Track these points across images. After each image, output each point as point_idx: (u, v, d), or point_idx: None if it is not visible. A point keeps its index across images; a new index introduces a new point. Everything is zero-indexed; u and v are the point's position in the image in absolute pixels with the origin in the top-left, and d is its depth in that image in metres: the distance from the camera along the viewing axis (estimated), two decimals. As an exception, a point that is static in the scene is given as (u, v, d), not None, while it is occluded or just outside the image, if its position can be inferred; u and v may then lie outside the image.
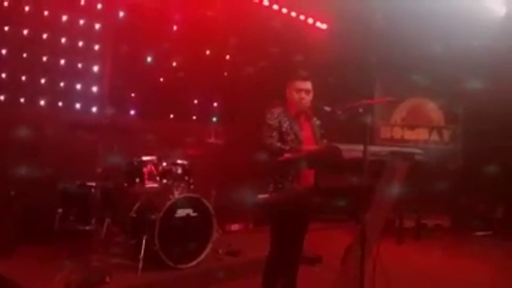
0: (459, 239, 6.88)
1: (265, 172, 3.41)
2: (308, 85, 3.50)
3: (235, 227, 6.40)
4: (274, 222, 3.38)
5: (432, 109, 8.01)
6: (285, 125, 3.39)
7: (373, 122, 7.46)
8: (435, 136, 8.03)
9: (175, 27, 6.28)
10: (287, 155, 3.14)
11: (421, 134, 8.01)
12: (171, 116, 6.32)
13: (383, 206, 3.12)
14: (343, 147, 2.81)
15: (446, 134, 8.04)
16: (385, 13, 6.84)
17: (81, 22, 5.49)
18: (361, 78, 7.25)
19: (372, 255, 3.03)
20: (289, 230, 3.36)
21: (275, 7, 6.95)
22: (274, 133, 3.33)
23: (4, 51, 4.92)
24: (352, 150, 2.81)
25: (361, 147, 2.82)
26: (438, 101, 7.94)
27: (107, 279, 3.77)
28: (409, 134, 7.98)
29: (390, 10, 6.69)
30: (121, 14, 5.78)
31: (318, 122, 3.66)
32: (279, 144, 3.27)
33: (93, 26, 5.60)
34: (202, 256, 4.38)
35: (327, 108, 3.46)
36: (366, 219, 2.94)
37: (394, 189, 3.10)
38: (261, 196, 3.37)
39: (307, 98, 3.50)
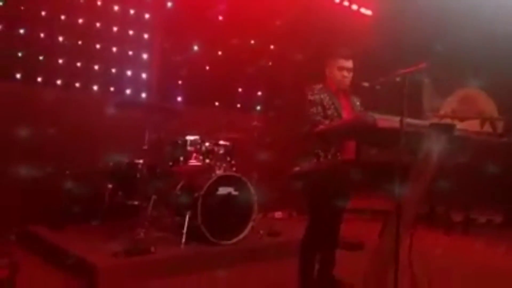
0: (510, 234, 6.57)
1: (308, 148, 3.44)
2: (350, 63, 3.49)
3: (278, 214, 6.45)
4: (312, 195, 3.40)
5: (484, 100, 7.71)
6: (326, 100, 3.41)
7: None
8: (487, 128, 7.72)
9: (220, 17, 6.45)
10: (322, 126, 3.17)
11: (473, 125, 7.72)
12: (216, 103, 6.49)
13: (420, 180, 3.06)
14: (378, 116, 2.79)
15: (500, 126, 7.71)
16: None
17: (132, 12, 5.78)
18: (408, 66, 7.08)
19: (408, 231, 3.00)
20: (328, 204, 3.38)
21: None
22: (319, 108, 3.35)
23: (60, 39, 5.26)
24: (387, 120, 2.78)
25: (398, 118, 2.80)
26: (490, 91, 7.63)
27: (152, 249, 3.95)
28: (460, 126, 7.70)
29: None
30: (169, 4, 6.03)
31: (358, 102, 3.66)
32: (318, 118, 3.30)
33: (143, 16, 5.87)
34: (243, 234, 4.48)
35: (365, 84, 3.45)
36: (404, 194, 2.91)
37: (433, 163, 3.04)
38: (301, 167, 3.39)
39: (349, 77, 3.49)
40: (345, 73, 3.47)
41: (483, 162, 6.80)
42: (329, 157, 3.29)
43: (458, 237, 6.31)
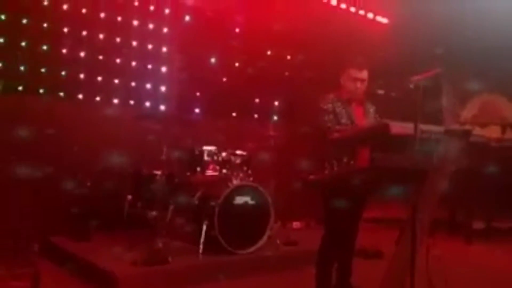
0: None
1: (322, 156, 3.46)
2: (364, 74, 3.51)
3: (296, 225, 6.43)
4: (328, 203, 3.40)
5: (505, 105, 7.59)
6: (338, 109, 3.44)
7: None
8: (509, 134, 7.58)
9: (237, 29, 6.54)
10: (336, 134, 3.19)
11: (494, 131, 7.60)
12: (234, 114, 6.55)
13: (437, 186, 3.04)
14: (393, 123, 2.79)
15: (521, 132, 7.57)
16: (450, 6, 6.63)
17: (150, 26, 5.91)
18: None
19: (425, 238, 2.97)
20: (343, 212, 3.38)
21: (334, 2, 7.00)
22: (330, 116, 3.39)
23: (82, 54, 5.42)
24: (401, 126, 2.79)
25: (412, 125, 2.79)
26: (511, 97, 7.51)
27: (170, 259, 4.00)
28: (480, 132, 7.59)
29: (456, 3, 6.48)
30: (187, 18, 6.14)
31: (372, 109, 3.66)
32: (329, 125, 3.33)
33: (161, 30, 5.99)
34: (260, 243, 4.50)
35: (380, 91, 3.48)
36: (419, 200, 2.90)
37: (449, 169, 3.02)
38: (316, 175, 3.40)
39: (362, 88, 3.51)
40: (359, 84, 3.49)
41: (504, 168, 6.72)
42: (342, 165, 3.29)
43: (479, 245, 6.19)
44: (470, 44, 6.72)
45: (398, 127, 2.79)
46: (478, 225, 6.67)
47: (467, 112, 7.72)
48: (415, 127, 2.76)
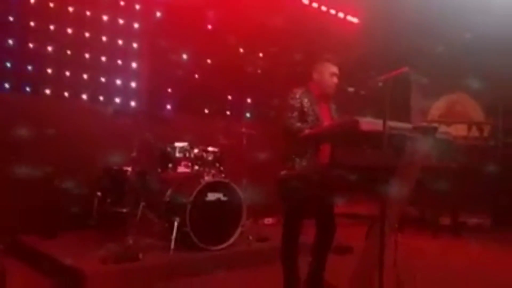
0: (498, 238, 6.64)
1: (286, 153, 3.48)
2: (337, 70, 3.58)
3: (268, 221, 6.46)
4: (289, 200, 3.42)
5: (471, 105, 7.83)
6: (307, 105, 3.44)
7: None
8: (474, 132, 7.83)
9: (209, 26, 6.52)
10: (307, 131, 3.22)
11: (460, 130, 7.83)
12: (206, 111, 6.54)
13: (405, 182, 3.11)
14: (362, 119, 2.84)
15: (486, 130, 7.83)
16: (419, 6, 6.77)
17: (121, 21, 5.83)
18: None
19: (394, 233, 3.04)
20: (301, 208, 3.41)
21: (305, 1, 7.07)
22: (295, 113, 3.38)
23: (50, 49, 5.29)
24: (370, 123, 2.83)
25: (381, 121, 2.85)
26: (477, 96, 7.76)
27: (141, 255, 3.95)
28: (447, 130, 7.81)
29: (424, 3, 6.63)
30: (158, 13, 6.09)
31: (334, 106, 3.71)
32: (298, 124, 3.34)
33: (132, 25, 5.92)
34: (232, 239, 4.50)
35: (351, 89, 3.53)
36: (388, 196, 2.96)
37: (417, 165, 3.10)
38: (288, 171, 3.42)
39: (336, 83, 3.57)
40: (335, 79, 3.54)
41: (470, 165, 6.94)
42: (305, 161, 3.33)
43: (446, 240, 6.38)
44: (438, 44, 6.89)
45: (368, 124, 2.84)
46: (445, 221, 6.88)
47: (435, 111, 7.93)
48: (384, 124, 2.81)
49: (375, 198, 3.16)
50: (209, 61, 6.54)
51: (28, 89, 5.17)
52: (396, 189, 3.04)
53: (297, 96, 3.44)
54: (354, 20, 7.61)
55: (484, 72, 7.00)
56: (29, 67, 5.17)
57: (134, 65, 5.92)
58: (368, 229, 3.22)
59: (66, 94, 5.42)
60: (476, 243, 6.19)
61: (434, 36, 6.82)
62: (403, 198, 3.27)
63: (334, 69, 3.55)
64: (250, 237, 4.86)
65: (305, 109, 3.42)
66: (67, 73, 5.43)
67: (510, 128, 7.52)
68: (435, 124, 3.22)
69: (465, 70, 7.20)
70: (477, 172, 7.01)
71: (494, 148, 7.73)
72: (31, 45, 5.20)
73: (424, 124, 3.43)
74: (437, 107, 7.94)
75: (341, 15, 7.46)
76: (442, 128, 3.29)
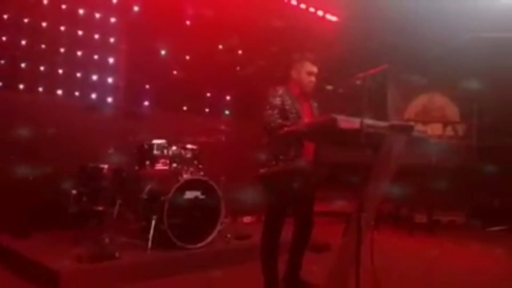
0: (472, 234, 6.79)
1: (269, 151, 3.48)
2: (316, 69, 3.59)
3: (247, 219, 6.46)
4: (273, 198, 3.43)
5: (447, 105, 7.98)
6: (288, 103, 3.46)
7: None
8: (449, 132, 7.98)
9: (188, 22, 6.46)
10: (286, 128, 3.22)
11: (436, 129, 7.97)
12: (184, 108, 6.48)
13: (381, 179, 3.14)
14: (339, 117, 2.85)
15: (461, 129, 7.99)
16: (397, 6, 6.84)
17: (97, 15, 5.72)
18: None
19: (370, 230, 3.06)
20: (290, 206, 3.43)
21: (285, -1, 7.08)
22: (276, 111, 3.40)
23: (23, 42, 5.16)
24: (348, 121, 2.85)
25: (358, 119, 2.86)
26: (452, 96, 7.91)
27: (117, 254, 3.89)
28: (423, 129, 7.94)
29: (403, 3, 6.69)
30: (136, 8, 6.00)
31: (315, 104, 3.73)
32: (279, 121, 3.35)
33: (109, 20, 5.82)
34: (210, 238, 4.48)
35: (329, 87, 3.55)
36: (364, 194, 2.98)
37: (393, 163, 3.13)
38: (268, 169, 3.42)
39: (314, 82, 3.58)
40: (312, 78, 3.57)
41: (445, 164, 7.07)
42: (290, 159, 3.34)
43: (421, 237, 6.48)
44: (416, 43, 6.97)
45: (345, 122, 2.85)
46: (421, 218, 7.01)
47: (411, 109, 8.04)
48: (361, 122, 2.83)
49: (352, 196, 3.20)
50: (187, 57, 6.48)
51: (0, 84, 5.03)
52: (372, 187, 3.07)
53: (278, 94, 3.46)
54: (333, 18, 7.65)
55: (460, 72, 7.14)
56: (2, 61, 5.03)
57: (111, 60, 5.83)
58: (345, 227, 3.24)
59: (40, 89, 5.30)
60: (449, 240, 6.33)
61: (412, 35, 6.90)
62: (379, 196, 3.30)
63: (312, 68, 3.57)
64: (229, 236, 4.85)
65: (287, 107, 3.43)
66: (42, 68, 5.30)
67: (484, 128, 7.68)
68: (411, 123, 3.26)
69: (442, 70, 7.32)
70: (451, 171, 7.15)
71: (468, 147, 7.90)
72: (4, 39, 5.06)
73: (401, 122, 3.46)
74: (414, 106, 8.06)
75: (320, 13, 7.49)
76: (418, 127, 3.32)
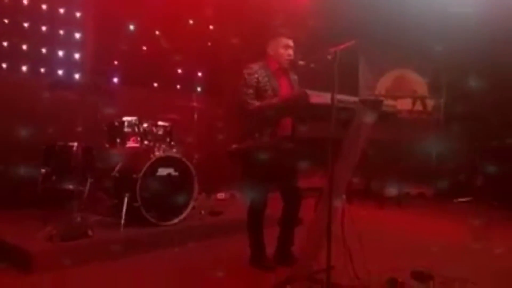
0: (439, 206, 7.02)
1: (245, 129, 3.48)
2: (291, 42, 3.59)
3: (221, 195, 6.47)
4: (247, 172, 3.45)
5: (416, 80, 8.11)
6: (263, 80, 3.44)
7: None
8: (418, 107, 8.14)
9: (158, -5, 6.29)
10: (258, 103, 3.21)
11: (405, 104, 8.11)
12: (155, 84, 6.37)
13: (351, 153, 3.18)
14: (311, 93, 2.87)
15: (429, 105, 8.16)
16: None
17: (63, -12, 5.51)
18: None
19: (341, 204, 3.12)
20: (263, 180, 3.45)
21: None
22: (250, 90, 3.39)
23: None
24: (320, 96, 2.87)
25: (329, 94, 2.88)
26: (421, 72, 8.04)
27: (90, 232, 3.86)
28: (393, 104, 8.04)
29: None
30: (103, -19, 5.79)
31: (295, 77, 3.74)
32: (254, 101, 3.34)
33: (74, -7, 5.61)
34: (184, 214, 4.48)
35: (301, 62, 3.55)
36: (335, 168, 3.02)
37: (363, 137, 3.17)
38: (240, 145, 3.42)
39: (292, 55, 3.58)
40: (290, 51, 3.56)
41: (414, 138, 7.23)
42: (266, 136, 3.35)
43: (391, 210, 6.67)
44: (386, 19, 6.99)
45: (317, 97, 2.87)
46: (391, 192, 7.19)
47: (381, 85, 8.14)
48: (332, 97, 2.85)
49: (323, 171, 3.24)
50: (157, 32, 6.34)
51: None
52: (343, 162, 3.12)
53: (253, 71, 3.44)
54: (305, -6, 7.59)
55: (429, 47, 7.23)
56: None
57: (77, 35, 5.65)
58: (316, 202, 3.30)
59: (4, 65, 5.10)
60: (418, 212, 6.54)
61: (382, 10, 6.92)
62: (350, 170, 3.36)
63: (288, 42, 3.57)
64: (203, 212, 4.87)
65: (261, 84, 3.42)
66: (5, 44, 5.10)
67: (452, 103, 7.86)
68: (381, 98, 3.30)
69: (411, 46, 7.39)
70: (420, 145, 7.33)
71: (436, 122, 8.10)
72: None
73: (371, 97, 3.51)
74: (384, 81, 8.16)
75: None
76: (388, 102, 3.37)
